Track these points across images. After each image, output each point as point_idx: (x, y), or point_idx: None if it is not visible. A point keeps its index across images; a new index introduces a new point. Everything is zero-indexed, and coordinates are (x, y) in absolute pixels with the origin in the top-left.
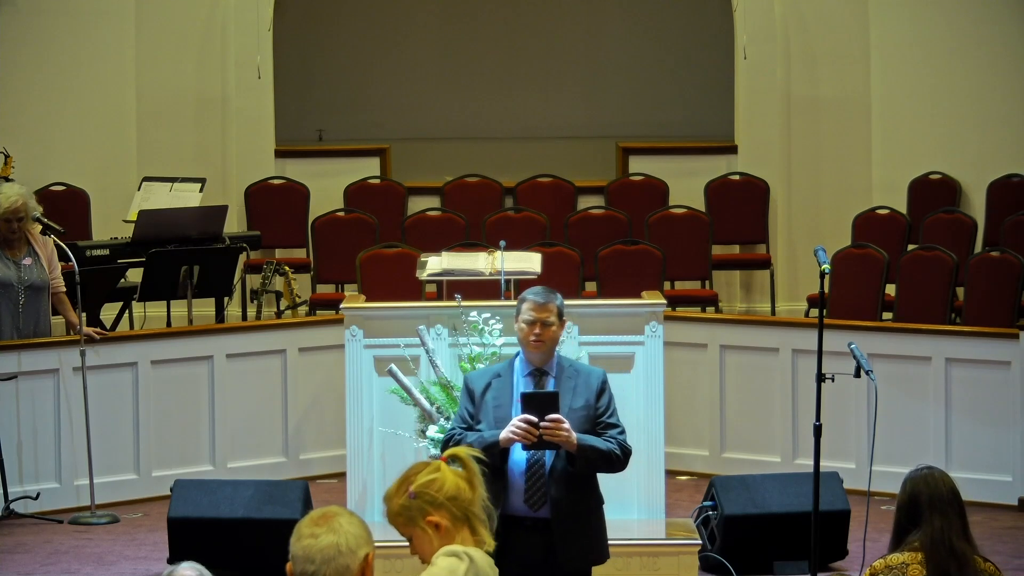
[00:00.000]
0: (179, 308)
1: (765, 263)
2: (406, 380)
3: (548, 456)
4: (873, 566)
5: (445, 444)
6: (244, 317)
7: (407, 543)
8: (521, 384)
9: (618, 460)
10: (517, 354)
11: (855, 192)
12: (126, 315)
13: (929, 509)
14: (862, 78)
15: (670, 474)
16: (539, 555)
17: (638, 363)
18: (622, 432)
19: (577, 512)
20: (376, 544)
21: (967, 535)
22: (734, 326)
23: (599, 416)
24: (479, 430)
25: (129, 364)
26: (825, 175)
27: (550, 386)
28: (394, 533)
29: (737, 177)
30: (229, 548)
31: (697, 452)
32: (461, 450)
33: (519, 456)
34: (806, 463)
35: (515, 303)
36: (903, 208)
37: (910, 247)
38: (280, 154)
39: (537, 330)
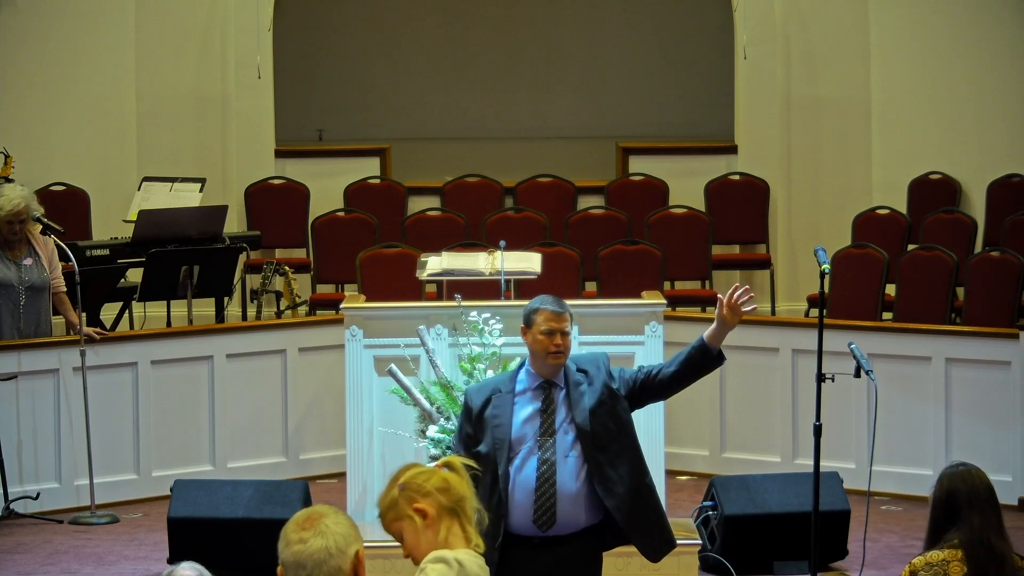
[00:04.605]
0: (179, 308)
1: (765, 263)
2: (406, 380)
3: (560, 473)
4: (913, 563)
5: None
6: (244, 317)
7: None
8: (527, 399)
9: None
10: (521, 366)
11: (855, 192)
12: (126, 315)
13: (967, 507)
14: (862, 78)
15: (670, 474)
16: (544, 572)
17: (638, 363)
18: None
19: (591, 530)
20: (374, 544)
21: (1003, 533)
22: None
23: (634, 380)
24: (478, 451)
25: (129, 364)
26: (825, 175)
27: (560, 400)
28: None
29: (737, 177)
30: (229, 548)
31: (697, 452)
32: (455, 459)
33: (527, 473)
34: (806, 463)
35: (513, 303)
36: (903, 208)
37: (910, 247)
38: (280, 154)
39: (558, 341)
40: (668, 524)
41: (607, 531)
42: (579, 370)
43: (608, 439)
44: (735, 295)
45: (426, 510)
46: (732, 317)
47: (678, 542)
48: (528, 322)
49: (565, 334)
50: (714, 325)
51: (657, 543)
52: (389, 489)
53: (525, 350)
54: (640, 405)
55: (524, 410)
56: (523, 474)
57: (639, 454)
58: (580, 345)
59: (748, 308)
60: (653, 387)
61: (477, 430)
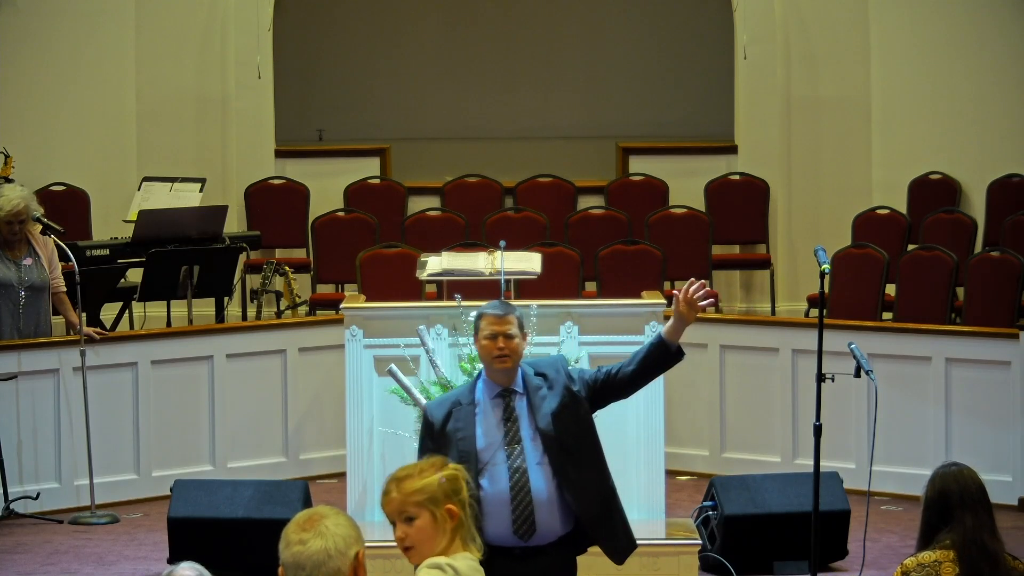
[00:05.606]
0: (179, 308)
1: (765, 263)
2: (406, 380)
3: (533, 481)
4: (904, 564)
5: None
6: (244, 317)
7: (399, 533)
8: (488, 409)
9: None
10: (478, 376)
11: (855, 192)
12: (126, 315)
13: (960, 507)
14: (862, 78)
15: (670, 474)
16: None
17: None
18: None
19: (567, 538)
20: (375, 544)
21: (996, 533)
22: (734, 326)
23: (594, 380)
24: None
25: (129, 364)
26: (825, 175)
27: (521, 406)
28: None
29: (737, 177)
30: (229, 548)
31: (697, 452)
32: (460, 470)
33: (500, 484)
34: (806, 463)
35: (514, 304)
36: (903, 208)
37: (910, 247)
38: (280, 154)
39: (500, 344)
40: (629, 525)
41: (579, 536)
42: (538, 374)
43: (572, 443)
44: (691, 290)
45: (457, 513)
46: (689, 312)
47: (679, 542)
48: (475, 329)
49: (509, 337)
50: (671, 321)
51: (622, 545)
52: (427, 472)
53: (527, 349)
54: (601, 406)
55: (486, 420)
56: (496, 485)
57: (602, 456)
58: (580, 345)
59: (705, 303)
60: (613, 387)
61: (440, 445)
